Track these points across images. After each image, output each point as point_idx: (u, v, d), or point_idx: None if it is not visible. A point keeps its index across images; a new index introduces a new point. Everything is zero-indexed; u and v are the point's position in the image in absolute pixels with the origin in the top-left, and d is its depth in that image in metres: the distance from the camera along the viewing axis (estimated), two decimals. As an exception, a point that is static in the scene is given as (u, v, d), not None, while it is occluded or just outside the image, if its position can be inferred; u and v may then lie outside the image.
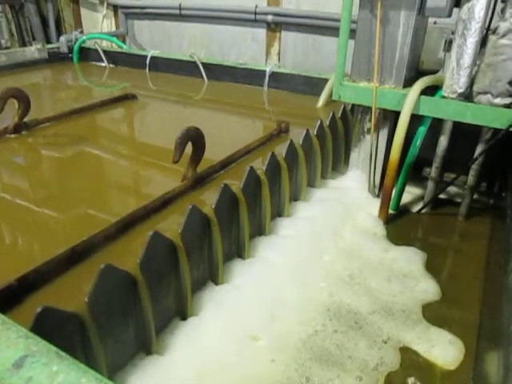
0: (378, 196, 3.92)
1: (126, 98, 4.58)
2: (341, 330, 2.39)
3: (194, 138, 2.48)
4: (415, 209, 3.83)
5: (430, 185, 3.72)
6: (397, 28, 3.34)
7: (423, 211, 3.78)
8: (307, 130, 3.43)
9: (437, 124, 3.55)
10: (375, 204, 3.75)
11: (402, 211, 3.77)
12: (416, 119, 3.44)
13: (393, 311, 2.57)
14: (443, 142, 3.54)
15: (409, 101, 3.27)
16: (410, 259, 3.07)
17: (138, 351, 2.04)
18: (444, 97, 3.28)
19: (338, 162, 4.07)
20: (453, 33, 3.35)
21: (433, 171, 3.67)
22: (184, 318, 2.27)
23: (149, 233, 1.90)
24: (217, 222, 2.34)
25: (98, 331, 1.69)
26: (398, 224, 3.58)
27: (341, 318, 2.48)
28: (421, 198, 3.94)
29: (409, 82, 3.51)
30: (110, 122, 4.21)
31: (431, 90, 3.42)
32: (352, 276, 2.85)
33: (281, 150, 3.13)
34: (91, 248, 1.94)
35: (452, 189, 3.90)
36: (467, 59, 3.11)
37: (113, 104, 4.43)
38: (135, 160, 3.29)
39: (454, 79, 3.19)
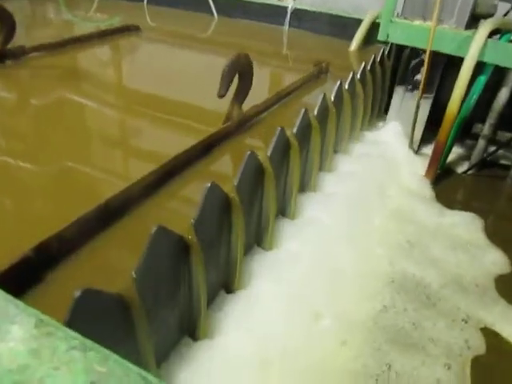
0: (416, 153, 3.52)
1: (127, 30, 3.90)
2: (413, 307, 2.03)
3: (243, 68, 1.95)
4: (460, 169, 3.45)
5: (481, 143, 3.31)
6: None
7: (469, 172, 3.40)
8: (353, 72, 2.92)
9: (494, 75, 3.10)
10: (417, 161, 3.35)
11: (447, 171, 3.37)
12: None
13: (465, 285, 2.22)
14: (504, 94, 3.10)
15: (476, 44, 2.79)
16: (468, 225, 2.71)
17: (183, 336, 1.60)
18: (512, 41, 2.81)
19: (376, 112, 3.60)
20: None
21: (486, 128, 3.25)
22: (231, 290, 1.84)
23: (206, 184, 1.42)
24: (272, 172, 1.87)
25: (146, 316, 1.23)
26: (446, 185, 3.19)
27: (409, 292, 2.11)
28: (465, 157, 3.55)
29: (468, 25, 3.02)
30: (108, 57, 3.56)
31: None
32: (410, 242, 2.47)
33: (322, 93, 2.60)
34: (127, 204, 1.44)
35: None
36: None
37: (113, 36, 3.76)
38: (133, 104, 2.66)
39: (531, 19, 2.72)
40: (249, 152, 1.67)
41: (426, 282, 2.18)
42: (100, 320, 1.05)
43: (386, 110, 3.72)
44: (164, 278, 1.33)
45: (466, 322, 2.00)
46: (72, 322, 0.92)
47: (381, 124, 3.67)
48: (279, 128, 1.92)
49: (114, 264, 1.29)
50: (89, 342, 0.69)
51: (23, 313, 0.75)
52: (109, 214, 1.36)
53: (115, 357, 0.68)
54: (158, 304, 1.33)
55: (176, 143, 1.94)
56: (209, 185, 1.43)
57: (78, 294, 0.95)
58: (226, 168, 1.79)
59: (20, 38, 3.19)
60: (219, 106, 2.11)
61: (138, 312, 1.18)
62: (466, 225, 2.70)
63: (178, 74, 3.08)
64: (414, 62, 3.38)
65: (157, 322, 1.35)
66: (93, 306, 1.02)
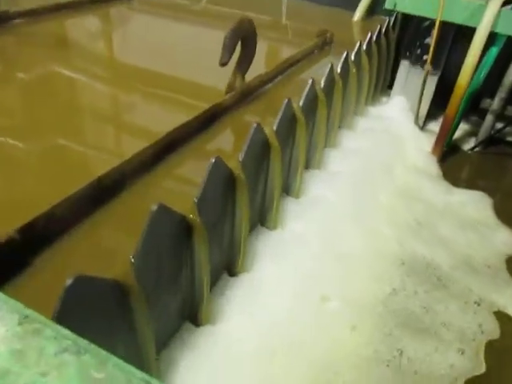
0: (422, 129, 3.40)
1: (118, -3, 3.68)
2: (424, 290, 1.94)
3: (247, 34, 1.79)
4: (466, 146, 3.33)
5: (489, 119, 3.19)
6: None
7: (476, 150, 3.29)
8: (359, 43, 2.76)
9: (506, 46, 2.95)
10: (422, 137, 3.23)
11: (453, 148, 3.26)
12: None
13: (476, 266, 2.14)
14: (516, 66, 2.97)
15: (490, 12, 2.64)
16: (476, 204, 2.61)
17: (184, 322, 1.50)
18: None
19: (380, 87, 3.46)
20: None
21: (495, 103, 3.12)
22: (234, 272, 1.74)
23: (210, 160, 1.29)
24: (278, 147, 1.74)
25: (146, 302, 1.12)
26: (453, 162, 3.08)
27: (420, 274, 2.03)
28: (471, 134, 3.43)
29: (479, -7, 2.86)
30: (98, 26, 3.35)
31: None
32: (419, 221, 2.37)
33: (327, 64, 2.44)
34: (123, 181, 1.32)
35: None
36: None
37: (102, 3, 3.53)
38: (124, 77, 2.45)
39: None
40: (255, 125, 1.53)
41: (436, 263, 2.10)
42: (95, 310, 0.94)
43: (390, 85, 3.58)
44: (165, 260, 1.22)
45: (479, 305, 1.92)
46: (63, 315, 0.80)
47: (385, 99, 3.53)
48: (286, 100, 1.79)
49: (109, 246, 1.17)
50: (83, 343, 0.58)
51: (5, 306, 0.63)
52: (103, 192, 1.23)
53: (115, 360, 0.57)
54: (159, 289, 1.22)
55: (174, 119, 1.78)
56: (213, 160, 1.30)
57: (69, 281, 0.83)
58: (229, 142, 1.66)
59: (3, 4, 2.99)
60: (216, 83, 1.96)
61: (136, 299, 1.07)
62: (474, 203, 2.61)
63: (173, 46, 2.90)
64: (421, 34, 3.22)
65: (157, 309, 1.24)
66: (87, 295, 0.90)
